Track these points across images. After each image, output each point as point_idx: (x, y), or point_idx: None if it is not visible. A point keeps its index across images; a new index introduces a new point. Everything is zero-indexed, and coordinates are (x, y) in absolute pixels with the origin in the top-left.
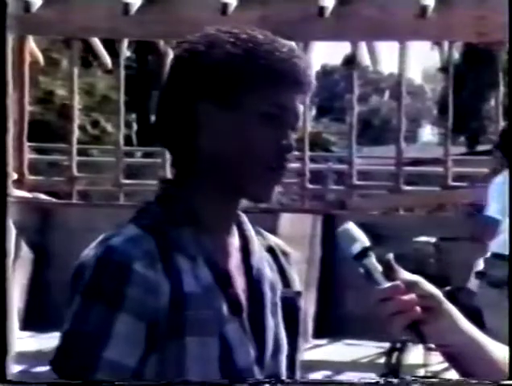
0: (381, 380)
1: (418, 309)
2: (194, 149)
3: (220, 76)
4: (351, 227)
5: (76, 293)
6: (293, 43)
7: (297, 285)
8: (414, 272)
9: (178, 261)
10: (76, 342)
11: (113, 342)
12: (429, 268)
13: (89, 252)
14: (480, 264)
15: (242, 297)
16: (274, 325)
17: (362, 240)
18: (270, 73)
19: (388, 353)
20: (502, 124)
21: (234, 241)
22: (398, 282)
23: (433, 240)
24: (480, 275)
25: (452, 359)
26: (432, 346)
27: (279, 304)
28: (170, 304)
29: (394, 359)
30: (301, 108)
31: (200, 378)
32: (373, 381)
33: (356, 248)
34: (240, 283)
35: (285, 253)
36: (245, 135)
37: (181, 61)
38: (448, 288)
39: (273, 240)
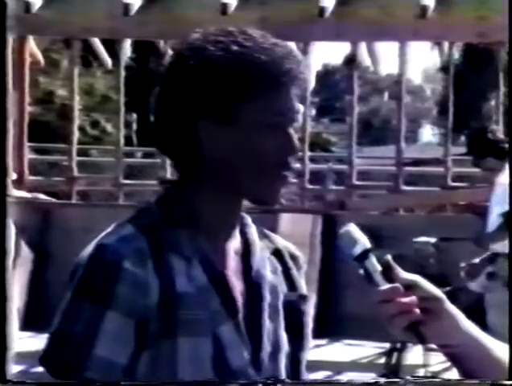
0: (381, 380)
1: (417, 310)
2: (197, 157)
3: (217, 93)
4: (352, 228)
5: (68, 292)
6: (285, 43)
7: (303, 288)
8: (414, 272)
9: (171, 261)
10: (66, 339)
11: (103, 340)
12: (429, 268)
13: (85, 251)
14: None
15: (239, 298)
16: (274, 328)
17: (363, 241)
18: (266, 83)
19: (388, 353)
20: (502, 124)
21: (235, 243)
22: (397, 284)
23: (433, 240)
24: (492, 276)
25: (454, 358)
26: (433, 346)
27: (281, 307)
28: (160, 302)
29: (393, 360)
30: (299, 105)
31: (192, 378)
32: (372, 381)
33: (357, 250)
34: (237, 285)
35: (293, 257)
36: (248, 144)
37: (175, 79)
38: (448, 288)
39: (281, 242)
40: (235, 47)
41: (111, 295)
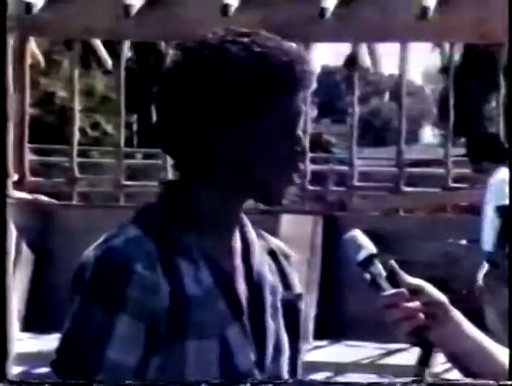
0: (384, 381)
1: (422, 315)
2: (202, 156)
3: (236, 94)
4: (357, 234)
5: (77, 294)
6: (294, 45)
7: (298, 287)
8: (444, 274)
9: (178, 263)
10: (77, 342)
11: (114, 343)
12: (460, 269)
13: (90, 252)
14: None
15: (243, 300)
16: (275, 328)
17: (368, 246)
18: (283, 84)
19: (423, 353)
20: (502, 125)
21: (236, 244)
22: (402, 289)
23: (464, 241)
24: (489, 273)
25: (457, 362)
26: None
27: (280, 307)
28: (170, 305)
29: (426, 360)
30: (304, 107)
31: (200, 380)
32: (373, 381)
33: (362, 255)
34: (241, 286)
35: (286, 256)
36: (262, 146)
37: (192, 78)
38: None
39: (274, 242)
40: (257, 48)
41: (122, 298)
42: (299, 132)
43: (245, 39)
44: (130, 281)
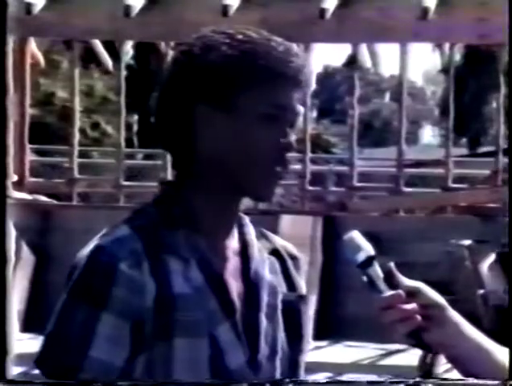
0: (383, 381)
1: (419, 317)
2: (193, 150)
3: (217, 79)
4: (356, 235)
5: (64, 293)
6: (289, 42)
7: (302, 288)
8: (447, 275)
9: (168, 262)
10: (61, 341)
11: (98, 342)
12: (463, 271)
13: (82, 253)
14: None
15: (236, 299)
16: (272, 329)
17: (367, 248)
18: (267, 73)
19: (423, 354)
20: (503, 126)
21: (233, 244)
22: (399, 291)
23: (467, 242)
24: None
25: (456, 363)
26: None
27: (280, 307)
28: (156, 304)
29: (428, 360)
30: (299, 105)
31: (189, 379)
32: (375, 381)
33: (360, 257)
34: (235, 286)
35: (292, 256)
36: (245, 136)
37: (178, 64)
38: (481, 291)
39: (280, 242)
40: (240, 36)
41: (106, 297)
42: (288, 126)
43: (230, 31)
44: (114, 279)
